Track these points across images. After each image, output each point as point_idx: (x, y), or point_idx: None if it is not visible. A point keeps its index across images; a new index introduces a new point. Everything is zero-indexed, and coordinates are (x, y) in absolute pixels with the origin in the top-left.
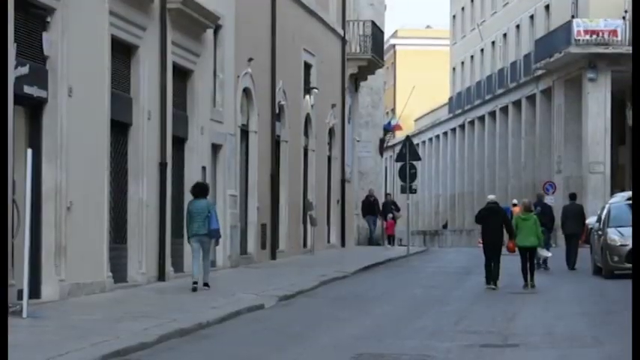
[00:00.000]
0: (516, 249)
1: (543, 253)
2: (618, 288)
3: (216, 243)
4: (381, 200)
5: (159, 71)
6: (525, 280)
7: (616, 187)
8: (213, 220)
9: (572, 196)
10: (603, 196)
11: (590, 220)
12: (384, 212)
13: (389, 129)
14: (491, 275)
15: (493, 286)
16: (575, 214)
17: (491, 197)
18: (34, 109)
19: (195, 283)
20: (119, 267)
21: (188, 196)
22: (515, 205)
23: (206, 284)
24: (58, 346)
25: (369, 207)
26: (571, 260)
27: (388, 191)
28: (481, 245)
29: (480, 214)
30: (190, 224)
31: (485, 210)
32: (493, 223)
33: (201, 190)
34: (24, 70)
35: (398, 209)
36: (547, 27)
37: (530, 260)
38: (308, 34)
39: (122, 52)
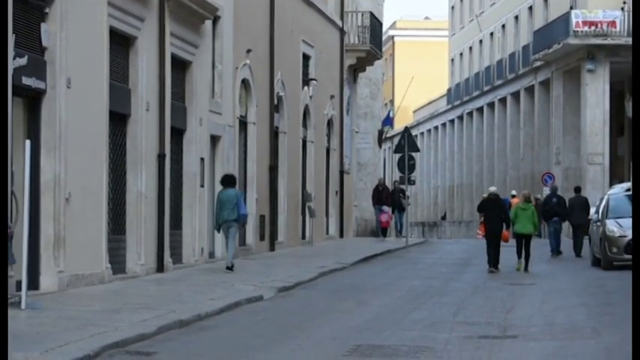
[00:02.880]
0: (511, 238)
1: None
2: (617, 279)
3: (242, 226)
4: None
5: (157, 62)
6: (519, 260)
7: (615, 179)
8: (241, 207)
9: (577, 189)
10: (602, 187)
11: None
12: (392, 200)
13: (388, 124)
14: (493, 260)
15: (494, 269)
16: (580, 205)
17: (492, 189)
18: (33, 100)
19: (229, 265)
20: (118, 258)
21: (187, 187)
22: (514, 196)
23: (229, 267)
24: (57, 337)
25: (379, 196)
26: (577, 248)
27: (382, 177)
28: (480, 237)
29: (482, 205)
30: (221, 212)
31: (487, 201)
32: (493, 212)
33: (230, 181)
34: (22, 61)
35: (406, 197)
36: (546, 18)
37: (525, 247)
38: (306, 26)
39: (121, 44)
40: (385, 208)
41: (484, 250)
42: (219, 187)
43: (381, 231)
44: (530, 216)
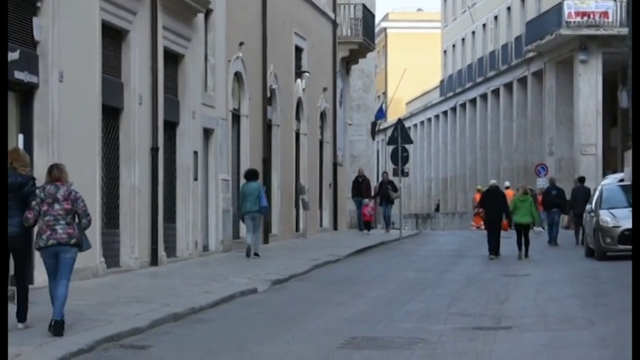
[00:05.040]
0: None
1: (536, 229)
2: (610, 270)
3: (265, 218)
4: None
5: (150, 56)
6: (520, 251)
7: (608, 169)
8: (263, 199)
9: (581, 180)
10: (595, 177)
11: None
12: (379, 193)
13: (381, 117)
14: (494, 247)
15: (494, 256)
16: (583, 195)
17: (492, 182)
18: (25, 94)
19: (249, 251)
20: (111, 252)
21: (180, 181)
22: (507, 187)
23: (256, 254)
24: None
25: (358, 188)
26: (579, 237)
27: (374, 169)
28: (474, 228)
29: (483, 196)
30: (244, 203)
31: (487, 192)
32: (493, 203)
33: (252, 175)
34: (15, 55)
35: (395, 189)
36: (538, 9)
37: (524, 236)
38: (299, 18)
39: (113, 37)
40: (365, 200)
41: (478, 241)
42: (210, 181)
43: (364, 224)
44: (528, 207)
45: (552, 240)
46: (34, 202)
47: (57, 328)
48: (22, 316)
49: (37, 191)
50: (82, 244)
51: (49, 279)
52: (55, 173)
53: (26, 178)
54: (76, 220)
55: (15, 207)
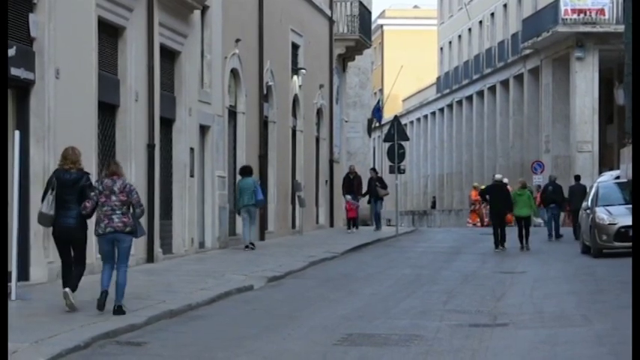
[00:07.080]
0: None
1: (538, 220)
2: (606, 267)
3: (261, 210)
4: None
5: (146, 52)
6: (521, 243)
7: (604, 166)
8: (259, 193)
9: (577, 178)
10: (591, 175)
11: None
12: (368, 190)
13: (377, 117)
14: (499, 239)
15: (501, 248)
16: (580, 192)
17: (497, 176)
18: (22, 91)
19: (248, 244)
20: None
21: (177, 177)
22: (506, 184)
23: (252, 243)
24: (47, 327)
25: (349, 185)
26: (577, 232)
27: (373, 166)
28: (470, 225)
29: (487, 190)
30: (240, 198)
31: (491, 186)
32: (497, 197)
33: (247, 171)
34: (11, 52)
35: (384, 186)
36: (534, 6)
37: (525, 227)
38: (295, 15)
39: (109, 34)
40: (348, 197)
41: (474, 238)
42: (207, 178)
43: (348, 222)
44: (526, 200)
45: (551, 235)
46: (92, 194)
47: (119, 311)
48: (72, 285)
49: (96, 184)
50: (136, 231)
51: (103, 264)
52: (113, 168)
53: (80, 174)
54: (131, 210)
55: (72, 200)
